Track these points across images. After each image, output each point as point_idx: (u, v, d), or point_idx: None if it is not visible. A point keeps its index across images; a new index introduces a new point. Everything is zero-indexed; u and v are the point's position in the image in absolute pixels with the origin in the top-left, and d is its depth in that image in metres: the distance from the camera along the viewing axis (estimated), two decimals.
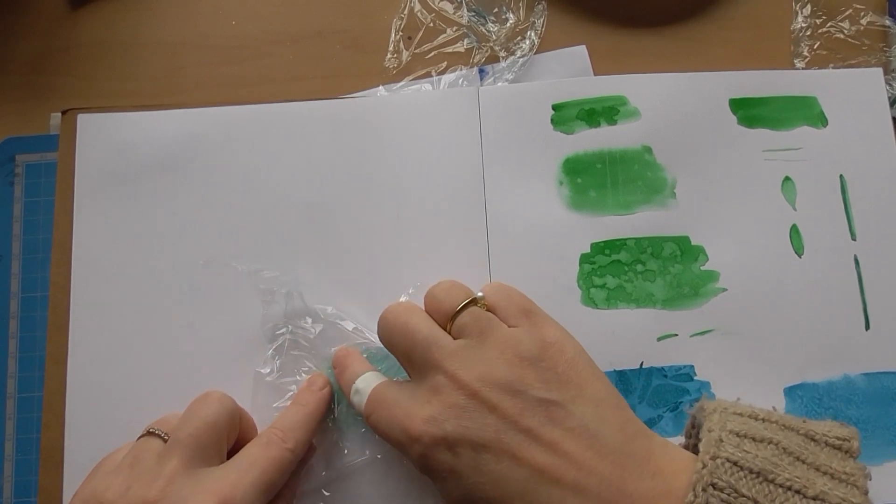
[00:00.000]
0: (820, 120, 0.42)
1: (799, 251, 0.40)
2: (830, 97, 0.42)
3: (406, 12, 0.45)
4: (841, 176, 0.41)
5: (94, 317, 0.39)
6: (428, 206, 0.40)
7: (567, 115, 0.41)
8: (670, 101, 0.41)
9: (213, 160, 0.41)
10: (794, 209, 0.40)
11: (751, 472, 0.27)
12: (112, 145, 0.41)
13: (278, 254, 0.40)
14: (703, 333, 0.39)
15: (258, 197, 0.40)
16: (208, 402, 0.33)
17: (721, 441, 0.28)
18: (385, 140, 0.41)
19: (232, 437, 0.34)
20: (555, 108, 0.41)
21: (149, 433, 0.33)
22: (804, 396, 0.38)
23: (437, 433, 0.30)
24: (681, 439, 0.37)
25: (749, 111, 0.41)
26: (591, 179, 0.41)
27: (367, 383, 0.34)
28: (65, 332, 0.39)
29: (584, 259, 0.39)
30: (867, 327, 0.39)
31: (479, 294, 0.34)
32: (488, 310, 0.34)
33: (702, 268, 0.40)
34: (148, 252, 0.40)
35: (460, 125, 0.41)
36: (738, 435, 0.29)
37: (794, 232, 0.40)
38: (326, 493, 0.37)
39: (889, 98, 0.42)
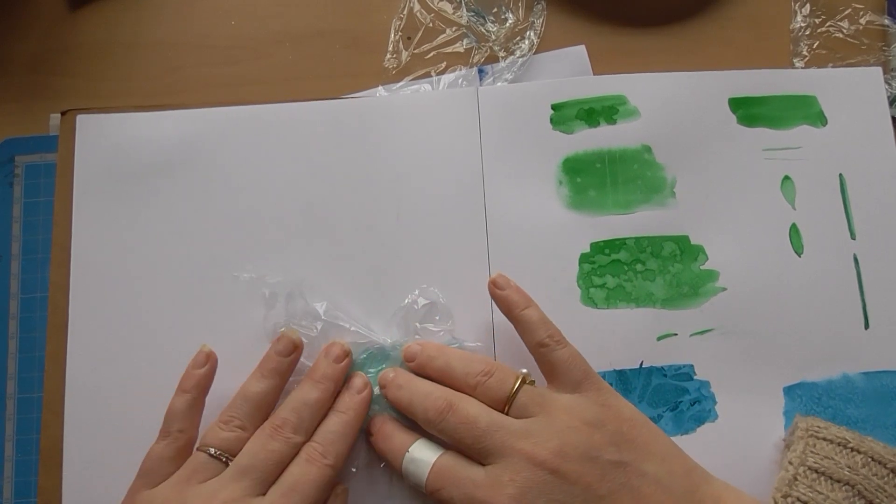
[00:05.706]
0: (819, 119, 0.42)
1: (798, 250, 0.40)
2: (830, 96, 0.42)
3: (405, 12, 0.45)
4: (840, 175, 0.41)
5: (93, 317, 0.39)
6: (428, 207, 0.40)
7: (566, 115, 0.41)
8: (670, 101, 0.41)
9: (212, 160, 0.41)
10: (794, 208, 0.40)
11: None
12: (111, 146, 0.41)
13: (278, 254, 0.40)
14: (702, 333, 0.39)
15: (257, 197, 0.40)
16: (276, 437, 0.33)
17: (795, 480, 0.30)
18: (385, 141, 0.41)
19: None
20: (554, 107, 0.41)
21: (208, 454, 0.33)
22: (803, 395, 0.38)
23: None
24: (680, 438, 0.37)
25: (748, 110, 0.41)
26: (590, 179, 0.41)
27: (424, 454, 0.34)
28: (64, 333, 0.39)
29: (584, 259, 0.39)
30: (866, 326, 0.39)
31: (524, 371, 0.34)
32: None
33: (701, 267, 0.40)
34: (147, 252, 0.40)
35: (459, 125, 0.41)
36: (816, 472, 0.30)
37: (794, 231, 0.40)
38: None
39: (888, 97, 0.42)
